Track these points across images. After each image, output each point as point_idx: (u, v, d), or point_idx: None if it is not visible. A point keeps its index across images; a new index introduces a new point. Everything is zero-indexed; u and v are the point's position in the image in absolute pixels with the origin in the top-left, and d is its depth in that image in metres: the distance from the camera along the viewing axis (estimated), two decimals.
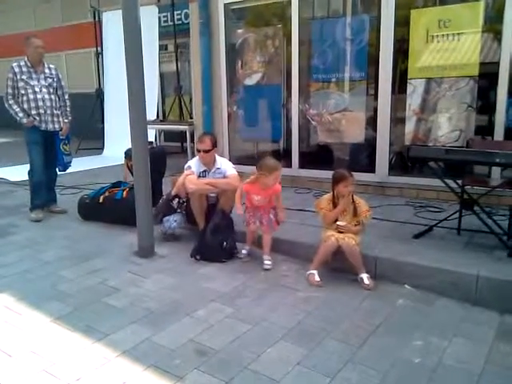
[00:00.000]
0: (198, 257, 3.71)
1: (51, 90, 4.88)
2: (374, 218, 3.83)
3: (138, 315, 2.84)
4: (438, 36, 4.94)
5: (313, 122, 6.15)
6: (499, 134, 4.62)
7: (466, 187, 3.66)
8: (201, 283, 3.31)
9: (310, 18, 6.21)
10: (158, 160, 4.84)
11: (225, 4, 6.34)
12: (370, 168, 5.41)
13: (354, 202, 3.40)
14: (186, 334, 2.61)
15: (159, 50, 8.91)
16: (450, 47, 4.90)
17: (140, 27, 3.66)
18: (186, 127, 7.64)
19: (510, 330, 2.65)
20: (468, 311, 2.86)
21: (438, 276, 3.07)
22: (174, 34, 8.90)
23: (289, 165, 6.06)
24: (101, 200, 4.67)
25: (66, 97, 5.08)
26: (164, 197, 4.33)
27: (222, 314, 2.85)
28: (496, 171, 4.51)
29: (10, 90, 4.73)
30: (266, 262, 3.65)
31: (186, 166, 4.10)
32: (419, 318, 2.78)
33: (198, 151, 4.06)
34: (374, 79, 5.48)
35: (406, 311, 2.89)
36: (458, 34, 4.84)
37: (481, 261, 3.15)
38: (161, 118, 9.87)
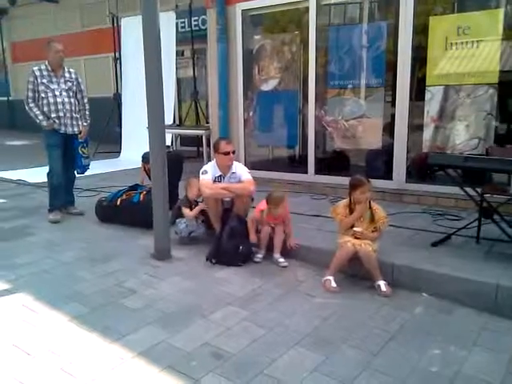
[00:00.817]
0: (213, 260, 3.72)
1: (71, 94, 4.95)
2: (391, 225, 3.80)
3: (154, 317, 2.85)
4: (457, 43, 4.90)
5: (328, 129, 6.14)
6: None
7: (486, 195, 3.61)
8: (217, 286, 3.31)
9: (327, 25, 6.21)
10: (175, 164, 4.87)
11: (242, 10, 6.39)
12: (388, 175, 5.38)
13: (371, 208, 3.39)
14: (201, 337, 2.61)
15: (176, 55, 9.00)
16: (469, 54, 4.86)
17: (159, 33, 3.70)
18: (203, 132, 7.68)
19: None
20: (487, 320, 2.82)
21: (457, 284, 3.03)
22: (191, 40, 8.98)
23: (305, 171, 6.06)
24: (118, 203, 4.72)
25: (85, 100, 5.16)
26: (180, 200, 4.36)
27: (237, 317, 2.85)
28: None
29: (30, 94, 4.82)
30: (281, 260, 3.71)
31: (201, 171, 4.11)
32: (437, 327, 2.75)
33: (227, 153, 4.07)
34: (391, 86, 5.45)
35: (423, 319, 2.86)
36: (478, 41, 4.80)
37: (501, 270, 3.10)
38: (177, 122, 9.95)
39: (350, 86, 5.88)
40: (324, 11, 6.11)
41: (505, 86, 4.79)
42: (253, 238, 3.84)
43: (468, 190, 3.63)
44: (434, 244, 3.65)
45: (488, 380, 2.23)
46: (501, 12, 4.73)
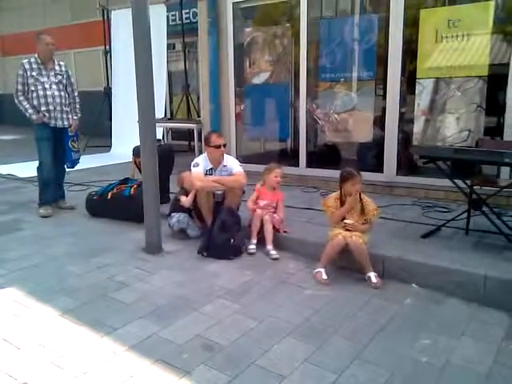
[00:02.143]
0: (205, 253, 3.72)
1: (61, 87, 4.90)
2: (381, 218, 3.83)
3: (145, 310, 2.85)
4: (447, 36, 4.92)
5: (320, 122, 6.15)
6: (508, 134, 4.60)
7: (475, 187, 3.64)
8: (208, 279, 3.32)
9: (319, 18, 6.20)
10: (166, 157, 4.85)
11: (233, 3, 6.36)
12: (378, 168, 5.40)
13: (361, 200, 3.41)
14: (193, 330, 2.61)
15: (167, 49, 8.94)
16: (459, 47, 4.88)
17: (149, 26, 3.67)
18: (194, 125, 7.66)
19: None
20: (476, 311, 2.85)
21: (446, 275, 3.06)
22: (182, 33, 8.92)
23: (296, 164, 6.07)
24: (109, 197, 4.70)
25: (76, 94, 5.11)
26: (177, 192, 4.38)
27: (229, 309, 2.86)
28: (505, 171, 4.48)
29: (19, 87, 4.76)
30: (272, 252, 3.74)
31: (193, 163, 4.11)
32: (427, 318, 2.77)
33: (218, 146, 4.07)
34: (382, 79, 5.46)
35: (413, 310, 2.88)
36: (468, 34, 4.82)
37: (489, 261, 3.14)
38: (168, 116, 9.91)
39: (341, 80, 5.88)
40: (315, 4, 6.10)
41: (494, 79, 4.82)
42: (252, 209, 3.95)
43: (458, 182, 3.66)
44: (424, 236, 3.68)
45: (476, 369, 2.26)
46: (491, 5, 4.74)
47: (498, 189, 3.60)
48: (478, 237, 3.66)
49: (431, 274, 3.12)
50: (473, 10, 4.81)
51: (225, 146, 4.13)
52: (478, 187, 3.69)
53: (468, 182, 3.66)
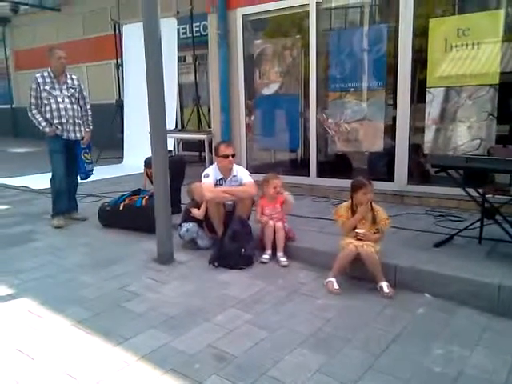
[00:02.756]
0: (216, 263, 3.73)
1: (73, 100, 4.99)
2: (393, 227, 3.81)
3: (157, 320, 2.86)
4: (457, 45, 4.91)
5: (330, 132, 6.16)
6: None
7: (488, 196, 3.61)
8: (219, 289, 3.32)
9: (328, 29, 6.24)
10: (177, 168, 4.90)
11: (243, 15, 6.43)
12: (389, 177, 5.38)
13: (372, 210, 3.40)
14: (204, 340, 2.62)
15: (178, 61, 9.04)
16: (469, 56, 4.87)
17: (160, 39, 3.73)
18: (205, 136, 7.70)
19: None
20: (490, 321, 2.81)
21: (459, 285, 3.03)
22: (192, 46, 9.03)
23: (307, 174, 6.08)
24: (121, 207, 4.74)
25: (88, 106, 5.19)
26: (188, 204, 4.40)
27: (240, 320, 2.85)
28: None
29: (33, 100, 4.85)
30: (282, 259, 3.76)
31: (203, 174, 4.14)
32: (440, 327, 2.74)
33: (226, 156, 4.09)
34: (392, 88, 5.46)
35: (426, 320, 2.85)
36: (478, 42, 4.80)
37: (503, 270, 3.10)
38: (179, 127, 9.99)
39: (351, 89, 5.89)
40: (324, 15, 6.14)
41: (505, 87, 4.79)
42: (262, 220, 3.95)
43: (470, 190, 3.63)
44: (437, 245, 3.65)
45: (491, 379, 2.23)
46: (501, 13, 4.73)
47: (511, 197, 3.56)
48: (491, 246, 3.62)
49: (444, 284, 3.09)
50: (482, 19, 4.80)
51: (233, 156, 4.15)
52: (491, 196, 3.65)
53: (480, 190, 3.63)
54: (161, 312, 2.97)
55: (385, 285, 3.17)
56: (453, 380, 2.23)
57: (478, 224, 3.67)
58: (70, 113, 4.94)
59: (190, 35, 9.32)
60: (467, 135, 4.99)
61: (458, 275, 3.07)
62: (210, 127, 8.27)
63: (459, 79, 4.95)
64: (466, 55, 4.89)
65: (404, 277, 3.25)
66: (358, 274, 3.38)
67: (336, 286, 3.24)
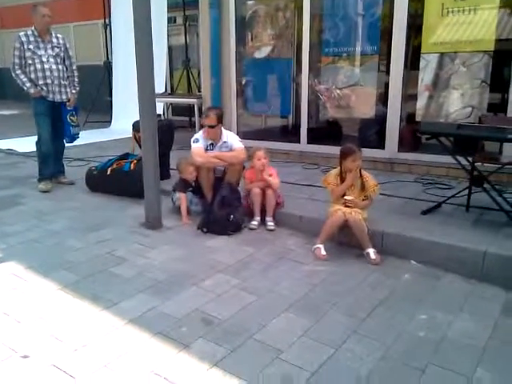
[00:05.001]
0: (204, 229, 3.72)
1: (59, 60, 4.84)
2: (382, 194, 3.81)
3: (145, 285, 2.86)
4: (453, 9, 4.80)
5: (322, 97, 6.07)
6: None
7: (477, 164, 3.61)
8: (208, 255, 3.33)
9: None
10: (166, 133, 4.82)
11: None
12: (380, 144, 5.36)
13: (361, 176, 3.39)
14: (192, 304, 2.63)
15: (168, 22, 8.77)
16: (465, 21, 4.78)
17: None
18: (195, 100, 7.58)
19: None
20: (474, 287, 2.86)
21: (445, 252, 3.06)
22: (182, 6, 8.74)
23: (297, 140, 6.03)
24: (108, 172, 4.68)
25: (74, 67, 5.04)
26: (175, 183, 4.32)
27: (228, 284, 2.87)
28: (508, 148, 4.43)
29: (17, 60, 4.69)
30: (270, 223, 3.79)
31: (192, 139, 4.09)
32: (425, 293, 2.78)
33: (211, 127, 4.03)
34: (386, 54, 5.36)
35: (411, 286, 2.89)
36: (475, 8, 4.70)
37: (489, 238, 3.13)
38: (169, 91, 9.80)
39: (344, 54, 5.78)
40: None
41: (500, 55, 4.72)
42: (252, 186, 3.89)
43: (459, 158, 3.62)
44: (424, 212, 3.67)
45: (472, 344, 2.28)
46: None
47: (500, 165, 3.56)
48: (478, 213, 3.65)
49: (430, 250, 3.12)
50: None
51: (213, 127, 4.03)
52: (480, 164, 3.65)
53: (470, 158, 3.62)
54: (149, 277, 2.98)
55: (371, 251, 3.19)
56: (435, 344, 2.27)
57: (466, 192, 3.69)
58: (56, 73, 4.79)
59: None
60: (459, 103, 4.95)
61: (444, 242, 3.09)
62: (200, 91, 8.13)
63: (454, 45, 4.87)
64: (462, 20, 4.79)
65: (391, 243, 3.28)
66: (345, 241, 3.41)
67: (323, 252, 3.26)
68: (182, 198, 4.05)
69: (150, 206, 3.84)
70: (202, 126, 4.06)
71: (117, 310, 2.57)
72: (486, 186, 3.52)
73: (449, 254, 3.04)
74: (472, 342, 2.30)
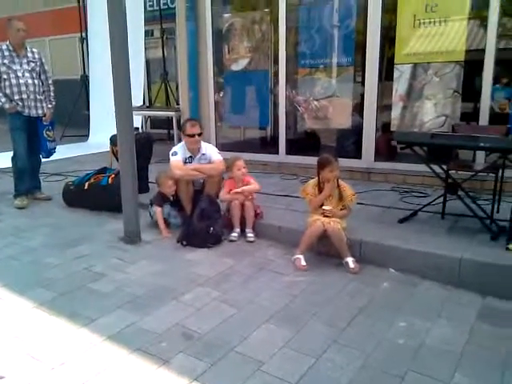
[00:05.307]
0: (184, 242, 3.71)
1: (34, 75, 4.79)
2: (359, 203, 3.86)
3: (124, 300, 2.83)
4: (424, 21, 4.94)
5: (300, 108, 6.14)
6: (484, 119, 4.66)
7: (451, 172, 3.69)
8: (187, 268, 3.31)
9: (298, 4, 6.15)
10: (144, 146, 4.81)
11: None
12: (357, 154, 5.43)
13: (339, 186, 3.43)
14: (172, 319, 2.61)
15: (145, 35, 8.78)
16: (436, 32, 4.91)
17: (125, 12, 3.60)
18: (173, 113, 7.58)
19: (490, 312, 2.69)
20: (451, 293, 2.91)
21: (422, 259, 3.11)
22: (159, 19, 8.77)
23: (276, 151, 6.07)
24: (86, 186, 4.63)
25: (50, 82, 5.00)
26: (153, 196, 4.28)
27: (208, 297, 2.86)
28: (481, 156, 4.55)
29: None
30: (249, 235, 3.79)
31: (171, 152, 4.09)
32: (403, 301, 2.82)
33: (192, 136, 4.04)
34: (361, 65, 5.46)
35: (390, 294, 2.93)
36: (445, 19, 4.83)
37: (464, 244, 3.19)
38: (147, 104, 9.77)
39: (320, 66, 5.87)
40: None
41: (471, 65, 4.86)
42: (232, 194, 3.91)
43: (434, 167, 3.70)
44: (401, 220, 3.73)
45: (450, 350, 2.31)
46: None
47: (473, 173, 3.65)
48: (453, 220, 3.73)
49: (408, 258, 3.17)
50: None
51: (200, 135, 4.08)
52: (454, 172, 3.73)
53: (444, 166, 3.71)
54: (128, 292, 2.94)
55: (350, 260, 3.22)
56: (414, 351, 2.30)
57: (441, 200, 3.76)
58: (31, 88, 4.74)
59: (158, 8, 9.06)
60: (433, 112, 5.07)
61: (420, 250, 3.14)
62: (178, 104, 8.13)
63: (426, 56, 5.00)
64: (433, 32, 4.92)
65: (369, 252, 3.32)
66: (325, 250, 3.43)
67: (303, 263, 3.28)
68: (158, 212, 4.03)
69: (128, 220, 3.81)
70: (189, 136, 4.04)
71: (95, 327, 2.53)
72: (460, 193, 3.59)
73: (425, 262, 3.09)
74: (450, 347, 2.33)
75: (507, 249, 3.05)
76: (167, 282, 3.09)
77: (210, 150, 4.18)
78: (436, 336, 2.44)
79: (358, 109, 5.59)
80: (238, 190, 3.88)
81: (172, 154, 4.07)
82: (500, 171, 3.62)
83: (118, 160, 4.08)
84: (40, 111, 4.85)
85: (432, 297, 2.88)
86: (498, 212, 3.65)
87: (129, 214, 3.80)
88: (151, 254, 3.58)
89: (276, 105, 6.18)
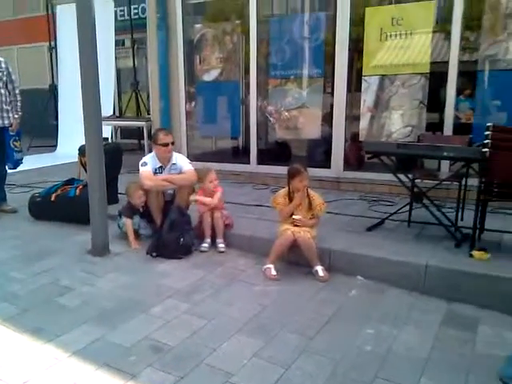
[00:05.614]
0: (154, 254, 3.67)
1: (1, 85, 4.68)
2: (329, 212, 3.91)
3: (91, 314, 2.77)
4: (391, 34, 5.07)
5: (271, 119, 6.20)
6: (448, 129, 4.81)
7: (416, 181, 3.78)
8: (157, 280, 3.27)
9: (269, 16, 6.24)
10: (113, 156, 4.75)
11: None
12: (326, 164, 5.51)
13: (308, 196, 3.47)
14: (140, 332, 2.57)
15: (116, 45, 8.72)
16: (403, 45, 5.05)
17: (94, 21, 3.57)
18: (143, 123, 7.53)
19: (455, 317, 2.76)
20: (417, 299, 2.97)
21: (389, 267, 3.17)
22: (130, 29, 8.73)
23: (247, 161, 6.10)
24: (53, 198, 4.52)
25: (17, 91, 4.89)
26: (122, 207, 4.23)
27: (178, 310, 2.83)
28: (445, 165, 4.69)
29: None
30: (220, 245, 3.80)
31: (141, 163, 4.05)
32: (371, 308, 2.86)
33: (165, 145, 4.01)
34: (330, 76, 5.56)
35: (358, 301, 2.97)
36: (411, 32, 4.98)
37: (430, 251, 3.27)
38: (117, 114, 9.68)
39: (291, 77, 5.95)
40: (265, 1, 6.13)
41: (435, 76, 5.01)
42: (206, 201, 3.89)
43: (400, 176, 3.79)
44: (369, 229, 3.80)
45: (416, 355, 2.35)
46: (432, 4, 4.92)
47: (438, 182, 3.75)
48: (419, 228, 3.81)
49: (375, 266, 3.22)
50: (415, 9, 4.98)
51: (173, 143, 4.08)
52: (420, 181, 3.83)
53: (410, 175, 3.80)
54: (95, 306, 2.89)
55: (320, 269, 3.26)
56: (381, 358, 2.34)
57: (408, 208, 3.85)
58: None
59: (128, 18, 9.02)
60: (400, 122, 5.20)
61: (388, 257, 3.21)
62: (149, 114, 8.08)
63: (393, 68, 5.13)
64: (400, 44, 5.06)
65: (338, 260, 3.36)
66: (295, 260, 3.45)
67: (274, 272, 3.29)
68: (128, 223, 3.98)
69: (96, 232, 3.75)
70: (163, 145, 4.02)
71: (60, 342, 2.47)
72: (425, 201, 3.68)
73: (393, 269, 3.15)
74: (416, 353, 2.38)
75: (470, 255, 3.15)
76: (136, 294, 3.05)
77: (180, 160, 4.16)
78: (403, 342, 2.48)
79: (328, 119, 5.68)
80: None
81: (142, 165, 4.04)
82: (464, 180, 3.73)
83: (86, 171, 4.02)
84: (6, 121, 4.75)
85: (399, 304, 2.93)
86: (462, 220, 3.76)
87: (97, 225, 3.74)
88: (120, 267, 3.53)
89: (247, 115, 6.22)
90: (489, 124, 3.12)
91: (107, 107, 7.89)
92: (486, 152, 3.02)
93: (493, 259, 3.09)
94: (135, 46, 8.99)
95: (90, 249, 3.77)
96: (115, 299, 2.97)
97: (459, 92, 5.03)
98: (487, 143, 3.03)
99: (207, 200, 3.87)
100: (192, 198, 3.93)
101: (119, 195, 4.81)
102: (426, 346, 2.44)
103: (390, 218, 3.86)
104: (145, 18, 7.21)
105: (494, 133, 3.04)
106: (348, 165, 5.46)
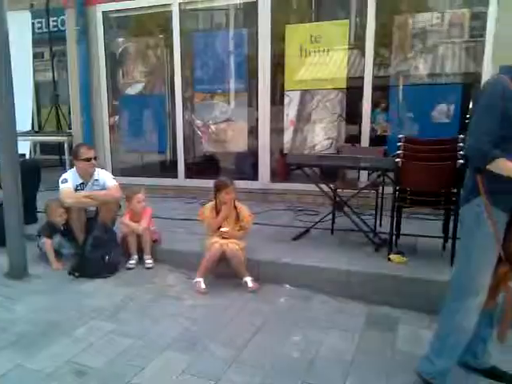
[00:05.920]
0: (76, 274, 3.52)
1: None
2: (257, 223, 3.97)
3: (8, 341, 2.61)
4: (310, 51, 5.30)
5: (198, 132, 6.21)
6: (365, 141, 5.09)
7: (338, 190, 3.96)
8: (80, 301, 3.14)
9: (193, 30, 6.27)
10: (31, 173, 4.50)
11: (103, 12, 6.16)
12: (254, 176, 5.61)
13: (236, 208, 3.51)
14: (62, 356, 2.46)
15: (35, 57, 8.31)
16: (321, 61, 5.28)
17: (7, 32, 3.43)
18: (65, 138, 7.19)
19: (377, 319, 2.91)
20: (342, 304, 3.09)
21: (315, 274, 3.28)
22: (49, 41, 8.37)
23: (175, 175, 6.05)
24: None
25: None
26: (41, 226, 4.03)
27: (102, 330, 2.74)
28: (364, 175, 4.94)
29: None
30: (147, 261, 3.74)
31: (61, 180, 3.89)
32: (298, 315, 2.94)
33: (88, 160, 3.89)
34: (255, 91, 5.69)
35: (286, 309, 3.04)
36: (328, 49, 5.23)
37: (352, 257, 3.43)
38: (36, 129, 9.18)
39: (217, 91, 6.01)
40: (189, 16, 6.16)
41: (352, 91, 5.30)
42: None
43: (322, 186, 3.95)
44: (295, 238, 3.91)
45: (342, 358, 2.45)
46: (347, 23, 5.22)
47: (357, 191, 3.95)
48: (342, 235, 3.99)
49: (301, 274, 3.32)
50: (332, 27, 5.25)
51: (95, 158, 3.96)
52: (341, 190, 4.01)
53: (332, 185, 3.97)
54: (13, 331, 2.72)
55: (249, 280, 3.30)
56: (309, 363, 2.41)
57: (330, 217, 4.02)
58: None
59: (47, 30, 8.64)
60: (321, 135, 5.42)
61: (313, 265, 3.32)
62: (70, 128, 7.76)
63: (313, 83, 5.35)
64: (319, 61, 5.29)
65: (266, 271, 3.42)
66: (225, 272, 3.46)
67: (203, 286, 3.29)
68: (48, 243, 3.79)
69: (13, 253, 3.54)
70: (85, 160, 3.88)
71: None
72: (346, 209, 3.87)
73: (318, 276, 3.27)
74: (341, 356, 2.47)
75: (389, 259, 3.34)
76: (57, 317, 2.90)
77: (103, 175, 4.04)
78: (329, 346, 2.57)
79: (254, 132, 5.78)
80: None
81: (62, 182, 3.88)
82: (380, 188, 3.96)
83: (1, 189, 3.79)
84: None
85: (325, 309, 3.04)
86: (380, 225, 3.99)
87: (14, 246, 3.53)
88: (40, 289, 3.35)
89: (174, 129, 6.18)
90: (400, 136, 3.35)
91: (24, 122, 7.45)
92: (398, 162, 3.23)
93: (409, 262, 3.30)
94: (55, 59, 8.61)
95: (7, 271, 3.55)
96: (34, 323, 2.82)
97: (375, 105, 5.35)
98: (400, 154, 3.25)
99: (134, 226, 3.78)
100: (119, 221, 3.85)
101: (38, 214, 4.56)
102: (351, 348, 2.55)
103: (315, 226, 4.00)
104: (65, 31, 6.98)
105: (405, 144, 3.27)
106: (275, 176, 5.58)
